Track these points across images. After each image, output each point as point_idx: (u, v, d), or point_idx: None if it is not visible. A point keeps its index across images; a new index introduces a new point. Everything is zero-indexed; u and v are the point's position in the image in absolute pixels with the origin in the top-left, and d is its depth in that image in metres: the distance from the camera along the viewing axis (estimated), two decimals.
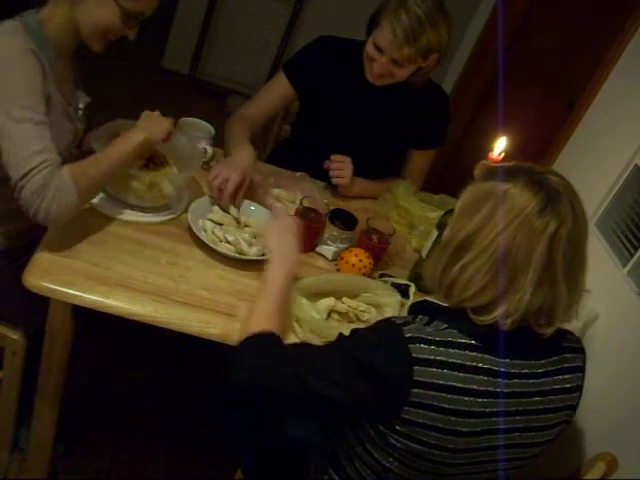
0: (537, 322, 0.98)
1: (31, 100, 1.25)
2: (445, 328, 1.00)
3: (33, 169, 1.21)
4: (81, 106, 1.55)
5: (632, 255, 1.43)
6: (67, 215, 1.27)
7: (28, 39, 1.29)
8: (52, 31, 1.36)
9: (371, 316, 1.42)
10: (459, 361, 0.97)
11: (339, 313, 1.42)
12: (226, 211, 1.58)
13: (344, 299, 1.42)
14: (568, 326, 1.11)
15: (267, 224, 1.42)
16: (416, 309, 1.09)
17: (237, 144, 1.71)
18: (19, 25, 1.30)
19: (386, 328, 1.01)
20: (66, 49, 1.43)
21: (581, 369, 1.10)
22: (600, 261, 1.51)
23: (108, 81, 2.62)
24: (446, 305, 1.06)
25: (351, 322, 1.41)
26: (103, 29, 1.37)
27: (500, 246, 0.94)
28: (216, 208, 1.58)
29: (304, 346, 1.15)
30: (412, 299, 1.51)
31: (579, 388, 1.10)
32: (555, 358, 1.06)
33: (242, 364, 1.11)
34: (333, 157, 1.80)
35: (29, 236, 1.48)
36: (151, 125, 1.44)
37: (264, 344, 1.14)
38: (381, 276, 1.58)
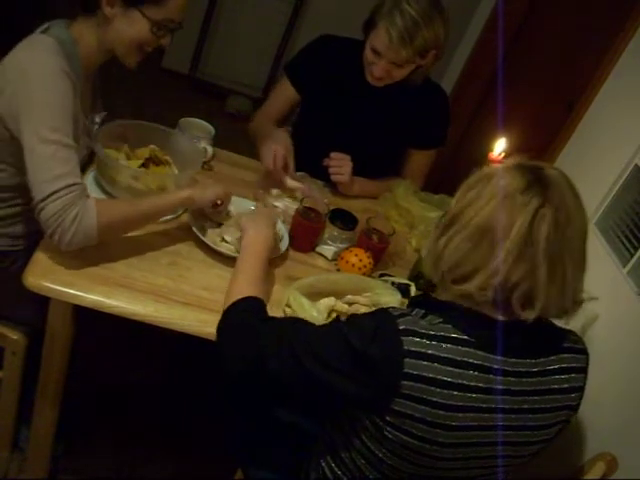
0: (520, 305, 0.98)
1: (61, 122, 1.24)
2: (439, 322, 1.01)
3: (54, 193, 1.20)
4: (97, 120, 1.55)
5: (632, 255, 1.43)
6: (82, 244, 1.25)
7: (62, 58, 1.28)
8: (83, 50, 1.36)
9: None
10: (450, 356, 0.98)
11: (339, 313, 1.42)
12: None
13: (349, 296, 1.42)
14: (568, 326, 1.11)
15: (243, 215, 1.48)
16: (415, 302, 1.10)
17: (269, 131, 1.81)
18: (54, 43, 1.29)
19: (382, 318, 1.02)
20: (93, 67, 1.44)
21: (582, 370, 1.09)
22: (600, 261, 1.51)
23: (108, 81, 2.62)
24: (444, 300, 1.06)
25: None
26: (137, 44, 1.37)
27: (481, 218, 0.97)
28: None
29: (298, 322, 1.15)
30: None
31: (580, 389, 1.09)
32: (553, 358, 1.05)
33: (232, 341, 1.14)
34: (332, 155, 1.81)
35: (35, 237, 1.48)
36: (203, 187, 1.46)
37: (251, 311, 1.18)
38: (381, 276, 1.58)
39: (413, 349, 0.97)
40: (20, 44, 1.30)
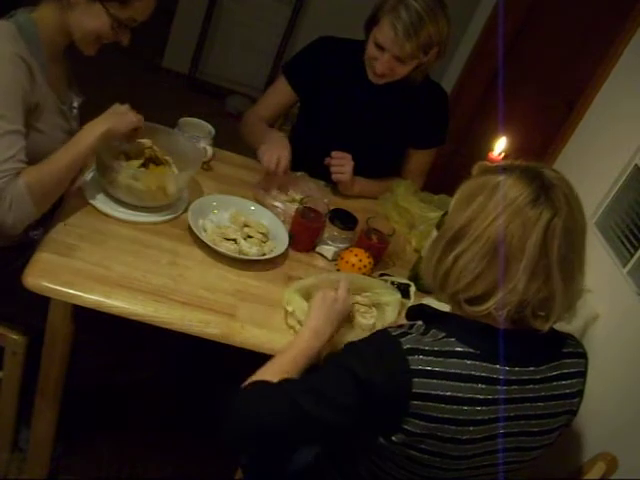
0: (534, 315, 0.97)
1: (5, 110, 1.25)
2: (443, 337, 0.99)
3: None
4: (75, 105, 1.55)
5: (632, 255, 1.43)
6: (26, 222, 1.30)
7: (19, 42, 1.29)
8: (44, 31, 1.36)
9: (372, 316, 1.42)
10: (457, 371, 0.97)
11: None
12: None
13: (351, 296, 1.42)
14: (568, 326, 1.11)
15: (319, 294, 1.28)
16: (413, 314, 1.09)
17: (265, 131, 1.83)
18: (11, 26, 1.30)
19: (383, 341, 1.00)
20: (58, 49, 1.44)
21: (582, 374, 1.09)
22: (600, 261, 1.51)
23: (108, 81, 2.62)
24: (444, 312, 1.05)
25: (351, 322, 1.41)
26: (94, 35, 1.37)
27: (493, 234, 0.94)
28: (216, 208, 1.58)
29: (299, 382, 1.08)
30: (413, 299, 1.51)
31: (580, 393, 1.09)
32: (554, 364, 1.05)
33: (238, 416, 1.03)
34: (334, 154, 1.81)
35: (30, 231, 1.47)
36: (116, 118, 1.41)
37: (263, 392, 1.07)
38: (381, 276, 1.58)
39: (420, 368, 0.95)
40: None
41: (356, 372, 0.96)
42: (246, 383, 1.08)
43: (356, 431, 1.03)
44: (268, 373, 1.10)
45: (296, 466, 1.32)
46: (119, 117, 1.42)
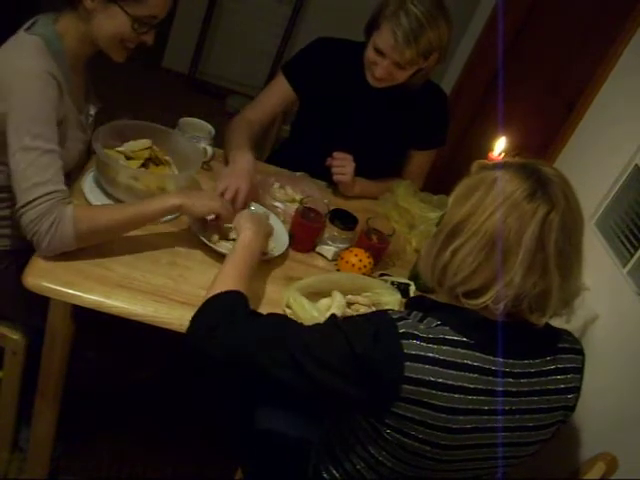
0: (530, 309, 0.98)
1: (42, 128, 1.25)
2: (437, 325, 1.00)
3: (34, 200, 1.22)
4: (92, 113, 1.55)
5: (632, 255, 1.43)
6: (60, 250, 1.26)
7: (48, 58, 1.29)
8: (69, 44, 1.36)
9: None
10: (450, 358, 0.97)
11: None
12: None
13: (349, 296, 1.42)
14: (567, 325, 1.11)
15: (242, 213, 1.43)
16: (412, 303, 1.10)
17: (234, 149, 1.70)
18: (39, 41, 1.29)
19: (382, 321, 1.01)
20: (80, 61, 1.44)
21: (578, 370, 1.10)
22: (600, 261, 1.51)
23: (108, 81, 2.62)
24: (441, 302, 1.06)
25: None
26: (118, 39, 1.36)
27: (490, 228, 0.95)
28: None
29: (289, 322, 1.12)
30: None
31: (576, 389, 1.10)
32: (548, 358, 1.05)
33: (212, 332, 1.08)
34: (335, 154, 1.81)
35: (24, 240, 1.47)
36: (198, 198, 1.40)
37: (237, 303, 1.13)
38: (381, 276, 1.58)
39: (413, 352, 0.96)
40: (6, 44, 1.31)
41: (353, 347, 0.98)
42: (221, 291, 1.15)
43: (349, 402, 1.04)
44: (233, 281, 1.20)
45: (262, 425, 1.37)
46: (202, 200, 1.40)
